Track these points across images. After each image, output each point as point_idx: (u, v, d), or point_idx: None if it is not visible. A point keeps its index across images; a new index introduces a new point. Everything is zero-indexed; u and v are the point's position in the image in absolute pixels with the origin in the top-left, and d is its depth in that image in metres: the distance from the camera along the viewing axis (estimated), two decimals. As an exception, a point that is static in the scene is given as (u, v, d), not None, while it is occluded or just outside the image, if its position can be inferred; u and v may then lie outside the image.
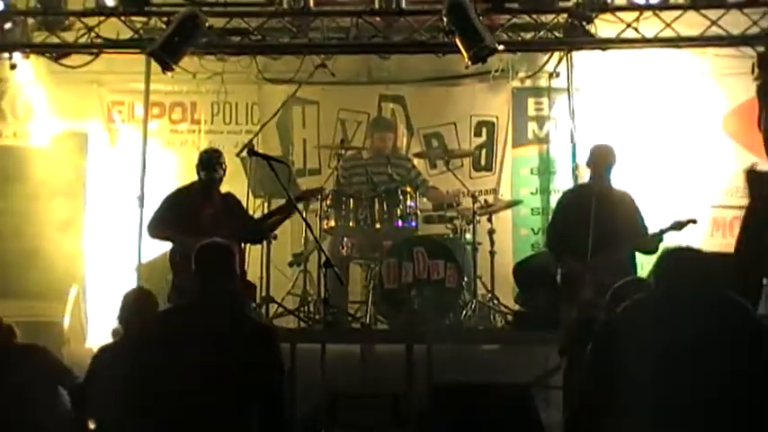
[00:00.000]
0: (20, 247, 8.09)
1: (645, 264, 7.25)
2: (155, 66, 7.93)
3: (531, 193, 9.20)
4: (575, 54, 8.69)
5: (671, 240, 7.18)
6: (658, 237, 7.23)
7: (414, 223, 7.97)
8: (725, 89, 8.72)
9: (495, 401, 6.24)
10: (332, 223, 8.04)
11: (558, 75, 9.00)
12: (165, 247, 7.58)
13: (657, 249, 7.00)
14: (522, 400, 6.31)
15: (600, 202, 7.14)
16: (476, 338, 7.75)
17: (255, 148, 7.90)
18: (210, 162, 7.48)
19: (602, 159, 7.42)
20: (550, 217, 7.93)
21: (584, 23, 7.75)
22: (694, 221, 7.40)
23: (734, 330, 4.04)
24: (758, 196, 6.77)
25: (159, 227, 7.51)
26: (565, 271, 7.25)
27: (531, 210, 9.09)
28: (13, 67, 8.20)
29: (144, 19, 7.89)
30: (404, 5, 7.73)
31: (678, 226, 7.26)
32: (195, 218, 7.38)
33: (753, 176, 6.97)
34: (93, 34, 7.93)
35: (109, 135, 9.33)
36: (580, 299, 6.81)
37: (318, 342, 6.72)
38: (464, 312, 7.75)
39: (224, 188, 7.75)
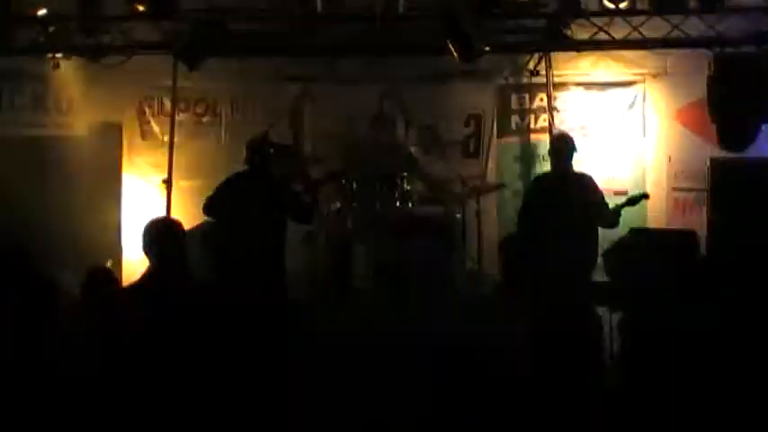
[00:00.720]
0: (61, 227, 8.18)
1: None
2: (181, 65, 8.16)
3: (514, 178, 9.27)
4: (552, 54, 8.76)
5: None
6: (617, 211, 7.34)
7: (410, 204, 8.17)
8: (683, 85, 8.75)
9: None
10: (338, 205, 8.27)
11: (537, 73, 9.05)
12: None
13: (618, 223, 7.26)
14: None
15: (563, 185, 7.39)
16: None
17: (270, 139, 8.03)
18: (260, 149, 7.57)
19: (563, 147, 7.60)
20: (521, 202, 7.99)
21: (560, 27, 7.95)
22: (646, 196, 7.65)
23: None
24: None
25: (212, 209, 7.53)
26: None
27: (514, 192, 9.08)
28: (56, 66, 8.39)
29: (172, 23, 8.00)
30: (402, 11, 7.86)
31: (632, 201, 7.47)
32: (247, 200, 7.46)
33: None
34: (126, 37, 8.11)
35: (140, 127, 9.46)
36: None
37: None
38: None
39: None
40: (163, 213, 8.47)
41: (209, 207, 7.43)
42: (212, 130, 9.58)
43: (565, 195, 7.35)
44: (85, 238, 8.23)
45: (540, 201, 7.51)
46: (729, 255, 6.49)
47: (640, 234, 7.14)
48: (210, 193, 7.48)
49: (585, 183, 7.59)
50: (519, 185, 9.19)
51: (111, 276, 6.22)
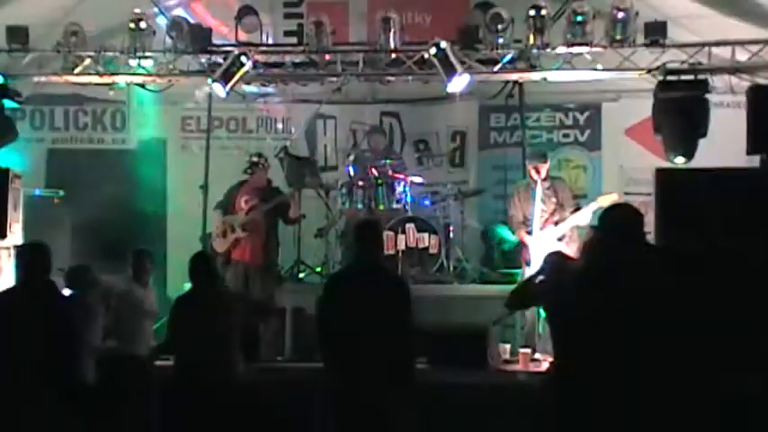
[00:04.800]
0: (116, 228, 8.19)
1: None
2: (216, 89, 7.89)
3: (493, 184, 9.17)
4: (525, 80, 8.47)
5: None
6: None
7: (406, 205, 8.03)
8: (633, 107, 8.62)
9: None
10: (345, 206, 8.15)
11: (513, 96, 8.91)
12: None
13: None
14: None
15: (539, 189, 7.26)
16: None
17: (289, 151, 8.28)
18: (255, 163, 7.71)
19: (538, 159, 7.49)
20: (507, 202, 7.87)
21: (530, 58, 7.78)
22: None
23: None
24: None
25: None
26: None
27: (494, 196, 9.03)
28: (111, 90, 8.22)
29: (208, 56, 7.90)
30: (398, 45, 7.74)
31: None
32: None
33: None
34: (170, 66, 7.94)
35: (181, 141, 9.41)
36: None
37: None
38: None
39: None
40: (200, 213, 8.44)
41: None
42: (243, 143, 9.46)
43: (549, 198, 7.31)
44: (136, 238, 8.12)
45: (526, 202, 7.37)
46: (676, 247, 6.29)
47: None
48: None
49: (562, 188, 7.51)
50: (497, 190, 9.10)
51: None
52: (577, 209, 7.34)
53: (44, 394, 4.57)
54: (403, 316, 4.80)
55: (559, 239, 7.20)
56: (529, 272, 7.07)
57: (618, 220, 3.83)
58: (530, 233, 7.30)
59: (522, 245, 7.40)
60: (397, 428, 4.69)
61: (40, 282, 4.86)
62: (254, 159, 7.86)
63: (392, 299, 4.84)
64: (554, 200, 7.34)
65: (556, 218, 7.30)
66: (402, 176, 8.08)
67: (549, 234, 7.24)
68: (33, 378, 4.56)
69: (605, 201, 7.02)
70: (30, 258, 4.97)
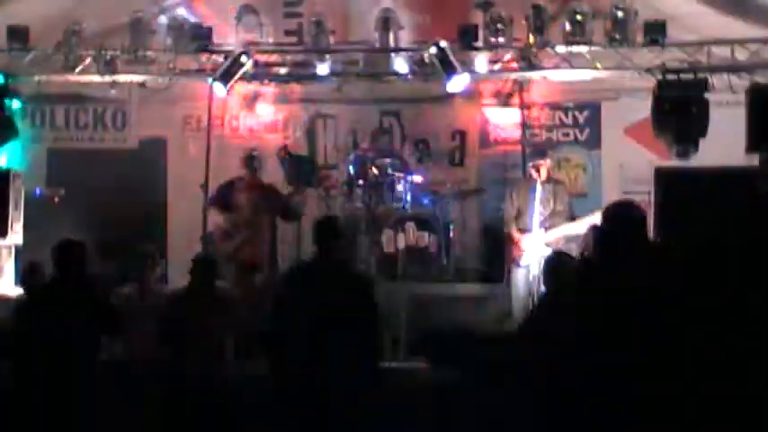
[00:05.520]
0: (116, 228, 8.16)
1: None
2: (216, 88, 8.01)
3: (492, 182, 9.05)
4: (524, 79, 8.53)
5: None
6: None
7: (406, 204, 8.04)
8: (632, 106, 8.51)
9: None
10: (346, 204, 8.15)
11: (513, 95, 8.89)
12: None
13: None
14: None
15: (539, 188, 7.15)
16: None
17: (289, 151, 8.20)
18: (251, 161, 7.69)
19: (538, 158, 7.40)
20: (504, 200, 7.76)
21: (530, 57, 7.83)
22: None
23: None
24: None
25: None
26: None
27: (492, 195, 8.74)
28: (112, 89, 8.22)
29: (208, 55, 7.93)
30: (400, 44, 7.84)
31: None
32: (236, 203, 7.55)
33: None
34: (170, 66, 7.99)
35: (182, 140, 9.27)
36: None
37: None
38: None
39: (267, 180, 7.88)
40: (200, 212, 8.32)
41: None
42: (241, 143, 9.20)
43: (548, 199, 7.19)
44: (138, 234, 8.03)
45: (524, 201, 7.26)
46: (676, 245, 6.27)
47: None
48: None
49: (562, 189, 7.46)
50: (498, 189, 8.85)
51: None
52: (572, 219, 7.26)
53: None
54: (363, 313, 4.73)
55: (547, 245, 7.09)
56: (518, 272, 7.05)
57: (621, 218, 3.81)
58: (522, 231, 7.24)
59: (511, 242, 7.30)
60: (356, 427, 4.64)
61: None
62: (254, 153, 7.82)
63: (351, 296, 4.77)
64: (551, 205, 7.26)
65: (547, 224, 7.22)
66: (402, 175, 8.09)
67: (539, 237, 7.15)
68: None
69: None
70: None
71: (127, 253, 6.69)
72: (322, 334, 4.63)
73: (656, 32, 7.40)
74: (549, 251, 6.67)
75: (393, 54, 7.98)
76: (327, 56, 7.94)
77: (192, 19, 7.99)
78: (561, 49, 7.68)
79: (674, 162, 7.39)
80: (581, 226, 6.82)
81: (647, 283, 3.53)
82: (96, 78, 8.01)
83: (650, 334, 3.44)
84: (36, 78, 8.00)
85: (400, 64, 7.98)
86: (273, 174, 8.14)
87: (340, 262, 5.11)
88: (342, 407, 4.60)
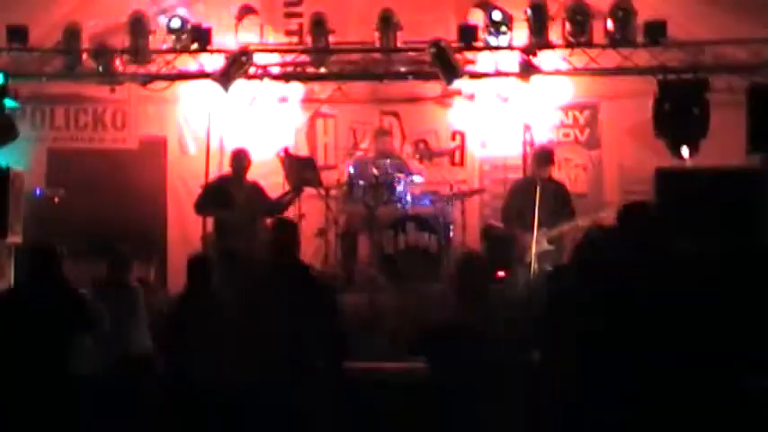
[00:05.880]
0: (116, 228, 8.06)
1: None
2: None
3: (492, 182, 9.03)
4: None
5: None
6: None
7: (406, 204, 8.02)
8: (633, 106, 8.46)
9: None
10: (346, 204, 8.15)
11: (511, 95, 8.71)
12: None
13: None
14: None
15: (540, 189, 7.16)
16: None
17: (289, 151, 8.24)
18: (240, 158, 7.70)
19: (541, 157, 7.52)
20: (504, 200, 7.91)
21: (530, 57, 7.76)
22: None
23: None
24: None
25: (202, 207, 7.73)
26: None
27: (492, 194, 8.88)
28: (112, 90, 8.29)
29: (208, 55, 7.93)
30: (399, 44, 7.81)
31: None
32: (231, 199, 7.57)
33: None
34: (170, 66, 8.02)
35: (181, 140, 9.19)
36: None
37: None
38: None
39: (266, 180, 7.95)
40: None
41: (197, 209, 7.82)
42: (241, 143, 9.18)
43: (548, 200, 7.21)
44: (135, 233, 8.09)
45: (523, 201, 7.31)
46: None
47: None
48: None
49: (562, 191, 7.58)
50: (498, 189, 8.96)
51: None
52: (572, 219, 7.29)
53: None
54: (319, 316, 4.74)
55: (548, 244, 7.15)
56: (519, 271, 7.06)
57: (635, 221, 3.86)
58: (522, 230, 7.27)
59: (513, 240, 7.32)
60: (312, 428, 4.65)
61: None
62: (242, 151, 7.82)
63: (308, 299, 4.80)
64: (551, 205, 7.29)
65: (548, 224, 7.25)
66: (402, 175, 8.08)
67: (539, 237, 7.16)
68: None
69: (602, 215, 7.03)
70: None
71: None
72: (279, 336, 4.71)
73: (656, 33, 7.40)
74: (550, 250, 6.72)
75: (393, 54, 7.96)
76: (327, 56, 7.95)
77: (192, 19, 8.00)
78: (561, 49, 7.69)
79: (674, 162, 7.39)
80: (581, 226, 6.83)
81: (653, 286, 3.52)
82: (96, 78, 8.02)
83: (655, 334, 3.42)
84: (36, 78, 8.00)
85: (400, 64, 7.99)
86: (273, 175, 8.14)
87: (297, 264, 5.17)
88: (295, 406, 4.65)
